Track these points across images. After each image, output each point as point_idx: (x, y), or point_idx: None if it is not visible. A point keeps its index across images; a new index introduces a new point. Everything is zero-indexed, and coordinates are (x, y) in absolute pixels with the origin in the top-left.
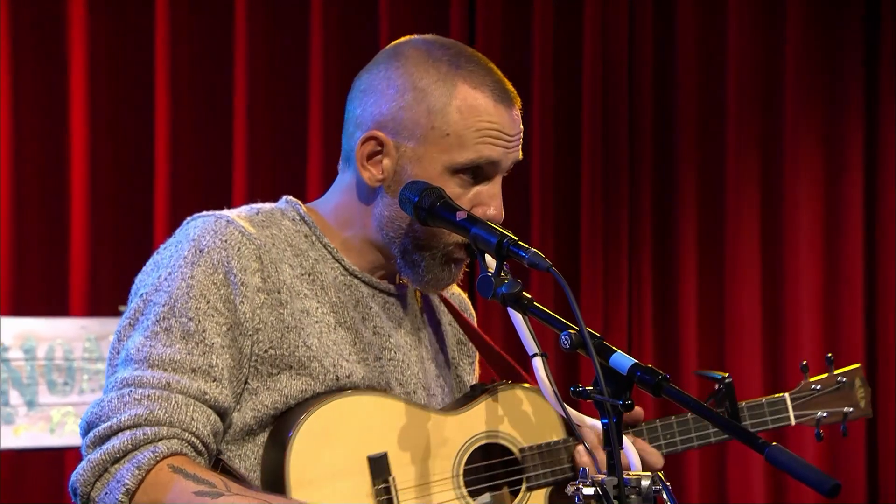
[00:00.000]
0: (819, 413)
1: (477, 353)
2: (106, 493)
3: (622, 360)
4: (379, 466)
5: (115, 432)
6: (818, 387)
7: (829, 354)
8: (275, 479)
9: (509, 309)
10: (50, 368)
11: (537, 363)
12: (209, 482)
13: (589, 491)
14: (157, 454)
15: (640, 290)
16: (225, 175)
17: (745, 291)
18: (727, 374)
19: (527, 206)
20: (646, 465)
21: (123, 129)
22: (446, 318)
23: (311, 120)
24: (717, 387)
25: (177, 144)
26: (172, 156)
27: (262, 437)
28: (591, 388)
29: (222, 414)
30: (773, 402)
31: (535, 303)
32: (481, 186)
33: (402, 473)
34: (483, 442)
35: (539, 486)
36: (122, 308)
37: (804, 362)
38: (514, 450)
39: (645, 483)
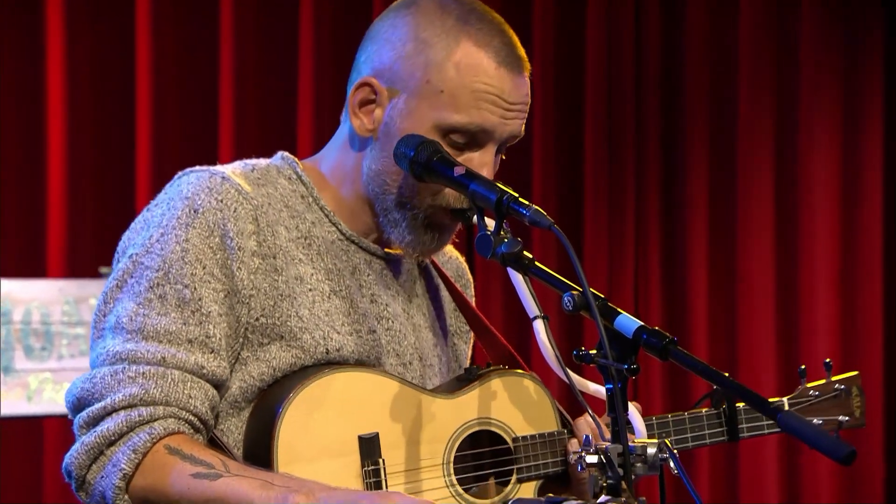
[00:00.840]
0: (814, 420)
1: (472, 333)
2: (102, 477)
3: (627, 322)
4: (369, 447)
5: (108, 413)
6: (816, 393)
7: (828, 360)
8: (261, 454)
9: (509, 269)
10: (27, 333)
11: (538, 326)
12: (207, 463)
13: (592, 459)
14: (153, 436)
15: (647, 252)
16: (210, 132)
17: (757, 252)
18: (726, 373)
19: (528, 163)
20: None
21: (104, 84)
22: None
23: (300, 78)
24: (715, 386)
25: (160, 100)
26: (155, 112)
27: (247, 413)
28: (594, 351)
29: (219, 387)
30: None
31: (536, 262)
32: (472, 153)
33: (393, 456)
34: (476, 429)
35: (530, 479)
36: (102, 270)
37: (802, 367)
38: (507, 439)
39: (651, 451)
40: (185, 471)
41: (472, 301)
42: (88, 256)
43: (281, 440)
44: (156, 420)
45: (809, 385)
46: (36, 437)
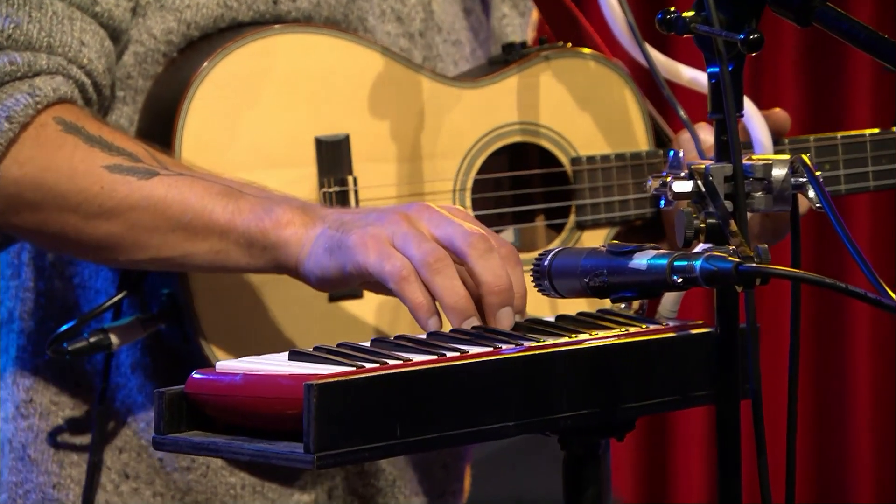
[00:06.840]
0: None
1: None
2: None
3: None
4: (333, 156)
5: None
6: None
7: None
8: None
9: None
10: None
11: None
12: (128, 152)
13: (684, 186)
14: (37, 99)
15: None
16: None
17: None
18: None
19: None
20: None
21: None
22: None
23: None
24: None
25: None
26: None
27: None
28: (691, 13)
29: (115, 39)
30: None
31: None
32: None
33: (371, 172)
34: (514, 139)
35: (598, 224)
36: None
37: None
38: (563, 159)
39: (779, 172)
40: (93, 160)
41: None
42: None
43: (186, 135)
44: (37, 75)
45: None
46: None
